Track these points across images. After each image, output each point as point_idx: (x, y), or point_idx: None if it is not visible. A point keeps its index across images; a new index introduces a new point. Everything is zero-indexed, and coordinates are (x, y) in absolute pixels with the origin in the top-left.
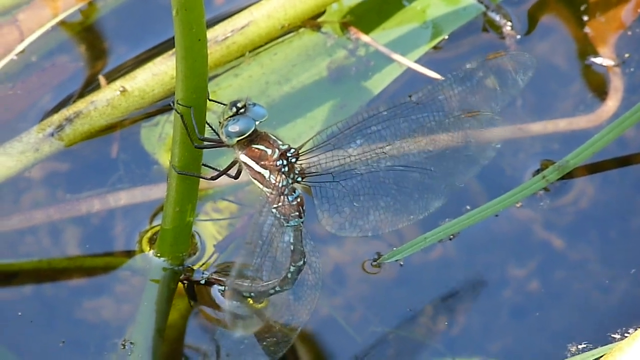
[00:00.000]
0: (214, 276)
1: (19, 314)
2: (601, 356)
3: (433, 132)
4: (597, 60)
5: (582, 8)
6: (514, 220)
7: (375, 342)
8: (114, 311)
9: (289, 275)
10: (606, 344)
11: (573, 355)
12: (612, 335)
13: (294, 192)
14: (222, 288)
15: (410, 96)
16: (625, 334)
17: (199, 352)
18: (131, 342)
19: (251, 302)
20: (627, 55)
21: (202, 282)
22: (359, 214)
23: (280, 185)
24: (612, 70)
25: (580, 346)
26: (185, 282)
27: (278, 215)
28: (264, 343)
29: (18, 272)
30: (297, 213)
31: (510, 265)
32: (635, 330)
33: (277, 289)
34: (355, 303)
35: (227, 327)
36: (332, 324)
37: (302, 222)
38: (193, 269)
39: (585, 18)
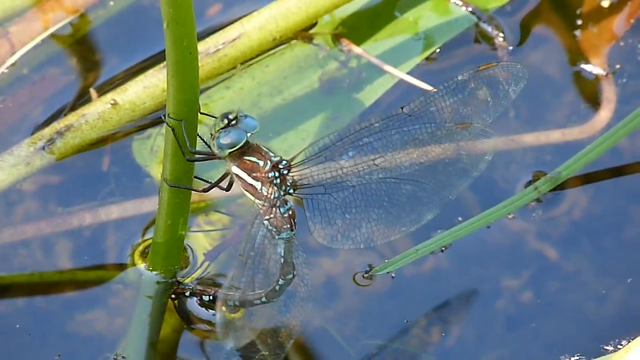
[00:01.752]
0: (199, 287)
1: (17, 326)
2: None
3: (425, 144)
4: (588, 67)
5: (575, 19)
6: (507, 232)
7: (368, 354)
8: (106, 324)
9: (277, 287)
10: (599, 356)
11: None
12: (605, 347)
13: (286, 204)
14: (206, 298)
15: (402, 108)
16: (619, 346)
17: None
18: (123, 357)
19: (224, 309)
20: (617, 66)
21: (187, 294)
22: (350, 226)
23: (272, 197)
24: (605, 80)
25: (573, 358)
26: (174, 298)
27: (270, 227)
28: (257, 355)
29: (10, 286)
30: (289, 225)
31: (504, 276)
32: (629, 342)
33: (264, 299)
34: (347, 315)
35: (218, 338)
36: (325, 336)
37: (293, 235)
38: (183, 286)
39: (578, 29)
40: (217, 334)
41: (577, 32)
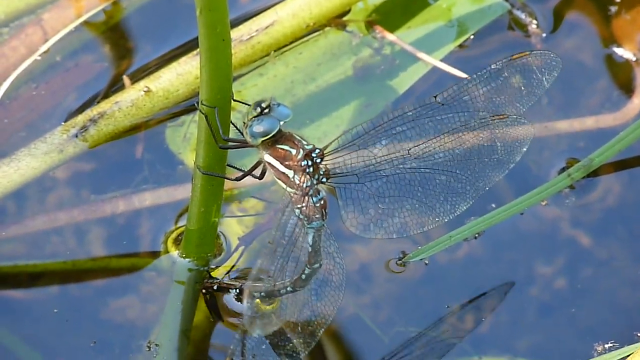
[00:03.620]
0: (225, 282)
1: (55, 310)
2: (627, 355)
3: (459, 133)
4: (621, 54)
5: (608, 5)
6: (540, 218)
7: (402, 341)
8: (139, 312)
9: (303, 276)
10: (633, 343)
11: (600, 354)
12: (639, 334)
13: (319, 194)
14: (233, 292)
15: (435, 97)
16: None
17: (224, 353)
18: (156, 344)
19: (259, 302)
20: None
21: (215, 287)
22: (383, 216)
23: (304, 185)
24: (638, 67)
25: (607, 345)
26: (205, 292)
27: (301, 216)
28: (289, 343)
29: (44, 273)
30: (320, 215)
31: (537, 263)
32: None
33: (289, 289)
34: (381, 302)
35: (245, 328)
36: (359, 323)
37: (324, 224)
38: (211, 280)
39: (611, 15)
40: (244, 325)
41: (611, 19)
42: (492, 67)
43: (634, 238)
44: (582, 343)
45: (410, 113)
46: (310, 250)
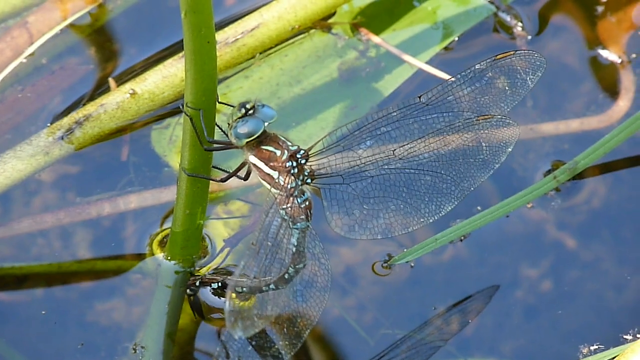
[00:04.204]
0: (208, 276)
1: (43, 312)
2: (613, 358)
3: (443, 133)
4: (606, 56)
5: (593, 8)
6: (526, 221)
7: (387, 344)
8: (125, 314)
9: (286, 276)
10: (618, 345)
11: (585, 357)
12: (625, 337)
13: (303, 194)
14: (215, 285)
15: (419, 97)
16: (638, 335)
17: (209, 355)
18: (142, 346)
19: (234, 296)
20: (634, 55)
21: (198, 283)
22: (368, 217)
23: (289, 186)
24: (623, 69)
25: (592, 347)
26: (189, 294)
27: (286, 217)
28: (275, 345)
29: (29, 275)
30: (305, 216)
31: (523, 266)
32: None
33: (272, 287)
34: (366, 304)
35: (227, 327)
36: (344, 326)
37: (308, 225)
38: (194, 277)
39: (596, 18)
40: (226, 322)
41: (596, 21)
42: (476, 67)
43: (619, 240)
44: (567, 345)
45: (395, 114)
46: (294, 250)
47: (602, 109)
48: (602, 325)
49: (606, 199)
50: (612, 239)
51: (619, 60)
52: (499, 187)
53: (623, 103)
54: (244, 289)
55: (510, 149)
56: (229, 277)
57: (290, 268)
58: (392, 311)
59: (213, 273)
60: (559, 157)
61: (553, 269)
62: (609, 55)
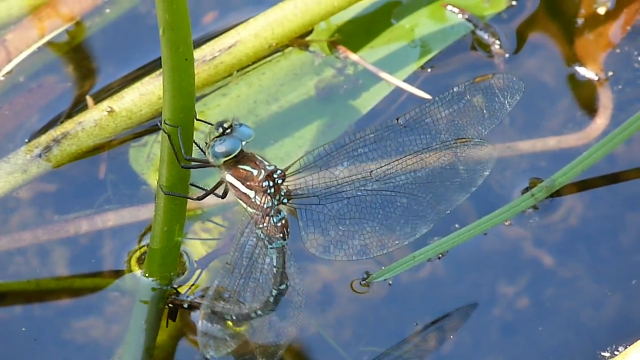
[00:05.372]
0: (197, 300)
1: (23, 329)
2: None
3: (421, 155)
4: (584, 74)
5: (571, 26)
6: (503, 238)
7: None
8: (103, 331)
9: (271, 299)
10: None
11: None
12: (602, 354)
13: (279, 214)
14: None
15: (397, 119)
16: (615, 352)
17: None
18: None
19: (231, 324)
20: (610, 73)
21: (186, 306)
22: (344, 238)
23: (265, 206)
24: (601, 87)
25: None
26: (170, 305)
27: (262, 236)
28: None
29: (7, 293)
30: (281, 235)
31: (500, 283)
32: (625, 348)
33: (259, 312)
34: (344, 322)
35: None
36: (322, 343)
37: (285, 244)
38: (179, 293)
39: (574, 35)
40: (198, 342)
41: (574, 39)
42: (455, 89)
43: (596, 258)
44: None
45: (372, 135)
46: (275, 271)
47: (580, 127)
48: (579, 343)
49: (584, 217)
50: (589, 257)
51: (597, 78)
52: (476, 205)
53: (601, 121)
54: (233, 317)
55: (487, 173)
56: (205, 301)
57: (273, 289)
58: (369, 329)
59: (196, 296)
60: (537, 175)
61: (530, 287)
62: (587, 72)
